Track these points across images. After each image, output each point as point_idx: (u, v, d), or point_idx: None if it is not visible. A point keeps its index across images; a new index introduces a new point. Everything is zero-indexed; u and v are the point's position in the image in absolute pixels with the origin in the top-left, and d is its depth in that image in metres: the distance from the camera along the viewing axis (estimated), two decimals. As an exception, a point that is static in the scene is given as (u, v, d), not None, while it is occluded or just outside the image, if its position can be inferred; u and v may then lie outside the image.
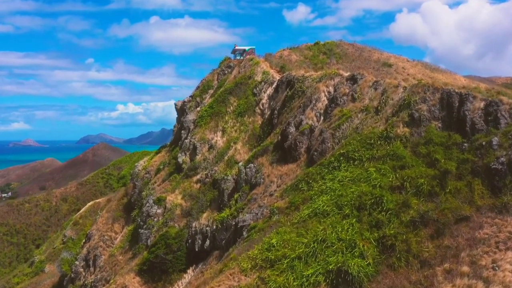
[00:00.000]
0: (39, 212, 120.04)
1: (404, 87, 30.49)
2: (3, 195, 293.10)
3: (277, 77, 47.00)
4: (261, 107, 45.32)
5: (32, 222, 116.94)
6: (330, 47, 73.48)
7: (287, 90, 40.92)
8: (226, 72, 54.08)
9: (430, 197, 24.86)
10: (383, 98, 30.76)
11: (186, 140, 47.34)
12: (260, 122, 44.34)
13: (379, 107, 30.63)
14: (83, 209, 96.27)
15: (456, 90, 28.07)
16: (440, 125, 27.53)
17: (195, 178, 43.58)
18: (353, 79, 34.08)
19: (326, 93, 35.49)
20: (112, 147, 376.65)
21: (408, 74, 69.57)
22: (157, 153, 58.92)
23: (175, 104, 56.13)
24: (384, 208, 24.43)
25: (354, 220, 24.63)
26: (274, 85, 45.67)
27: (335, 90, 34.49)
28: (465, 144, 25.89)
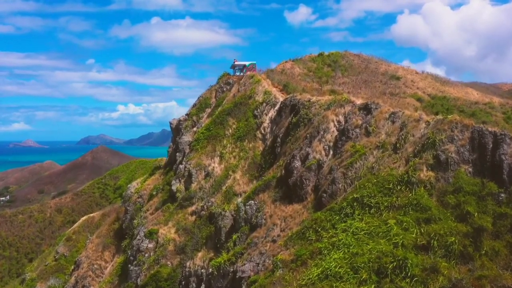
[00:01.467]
0: (33, 223, 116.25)
1: (427, 122, 26.62)
2: (1, 198, 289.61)
3: (280, 97, 43.17)
4: (263, 131, 41.48)
5: (25, 234, 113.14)
6: (335, 58, 69.69)
7: (291, 115, 37.07)
8: (224, 89, 50.25)
9: (463, 260, 21.08)
10: (402, 134, 26.90)
11: (181, 166, 43.54)
12: (261, 148, 40.48)
13: (397, 144, 26.77)
14: (76, 224, 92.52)
15: (490, 129, 24.20)
16: (470, 169, 23.69)
17: (190, 209, 39.77)
18: (366, 109, 30.24)
19: (336, 123, 31.66)
20: (111, 150, 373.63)
21: (417, 88, 65.71)
22: (151, 174, 55.11)
23: (170, 123, 52.33)
24: (409, 274, 20.61)
25: (373, 287, 20.88)
26: (276, 107, 41.83)
27: (346, 121, 30.65)
28: (502, 195, 22.10)
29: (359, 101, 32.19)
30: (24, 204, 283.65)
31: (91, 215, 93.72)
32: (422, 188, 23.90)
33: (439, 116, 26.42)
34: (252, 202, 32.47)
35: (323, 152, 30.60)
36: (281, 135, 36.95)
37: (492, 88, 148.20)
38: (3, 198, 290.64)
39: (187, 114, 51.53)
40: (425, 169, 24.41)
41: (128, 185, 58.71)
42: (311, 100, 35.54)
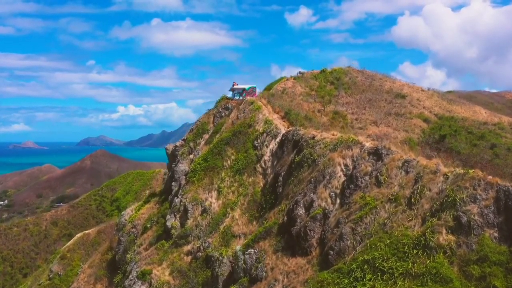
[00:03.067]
0: (28, 237, 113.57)
1: (445, 175, 24.10)
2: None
3: (282, 127, 40.65)
4: (263, 165, 38.95)
5: (20, 248, 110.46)
6: (338, 75, 67.21)
7: (294, 153, 34.54)
8: (223, 114, 47.76)
9: None
10: (418, 187, 24.38)
11: (177, 199, 41.02)
12: (261, 183, 37.96)
13: (412, 199, 24.25)
14: (71, 242, 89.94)
15: (517, 189, 21.68)
16: (496, 234, 21.19)
17: (185, 249, 37.24)
18: (376, 154, 27.72)
19: (343, 167, 29.15)
20: (110, 154, 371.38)
21: (424, 107, 63.17)
22: (145, 202, 52.58)
23: (166, 149, 49.89)
24: None
25: None
26: (278, 139, 39.32)
27: (354, 167, 28.12)
28: (534, 268, 19.60)
29: (368, 143, 29.67)
30: (22, 208, 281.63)
31: (87, 231, 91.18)
32: (442, 255, 21.39)
33: (459, 170, 23.89)
34: (252, 250, 29.97)
35: (329, 200, 28.09)
36: (283, 173, 34.42)
37: (496, 97, 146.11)
38: (1, 203, 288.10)
39: (183, 140, 49.06)
40: (444, 232, 21.90)
41: (122, 212, 56.21)
42: (315, 138, 33.01)
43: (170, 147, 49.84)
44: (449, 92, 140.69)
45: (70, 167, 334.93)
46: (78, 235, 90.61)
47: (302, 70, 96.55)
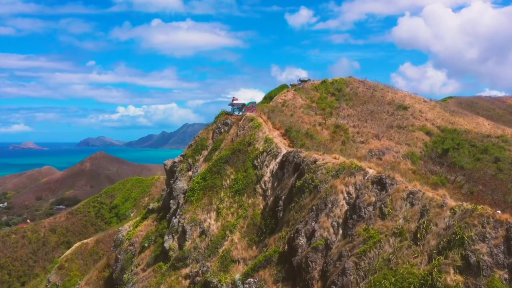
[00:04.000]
0: (26, 244, 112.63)
1: (452, 210, 23.19)
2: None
3: (282, 146, 39.74)
4: (263, 186, 38.05)
5: (18, 256, 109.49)
6: (339, 86, 66.40)
7: (295, 176, 33.64)
8: (222, 130, 46.85)
9: None
10: (424, 222, 23.48)
11: (175, 220, 40.16)
12: (261, 205, 37.07)
13: (418, 234, 23.36)
14: (69, 251, 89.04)
15: (528, 229, 20.78)
16: (506, 276, 20.30)
17: (183, 272, 36.34)
18: (380, 183, 26.83)
19: (346, 195, 28.25)
20: (110, 156, 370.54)
21: (426, 119, 62.25)
22: (143, 218, 51.65)
23: (164, 164, 48.98)
24: None
25: None
26: (278, 159, 38.41)
27: (357, 196, 27.23)
28: (546, 314, 18.73)
29: (371, 170, 28.77)
30: (21, 211, 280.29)
31: (85, 241, 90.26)
32: (449, 297, 20.51)
33: (467, 205, 22.99)
34: (252, 280, 29.09)
35: (331, 230, 27.20)
36: (283, 197, 33.53)
37: (497, 102, 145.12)
38: (1, 205, 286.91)
39: (182, 155, 48.15)
40: (452, 271, 21.01)
41: (120, 228, 55.28)
42: (317, 162, 32.10)
43: (168, 162, 48.95)
44: (450, 97, 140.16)
45: (69, 169, 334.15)
46: (76, 244, 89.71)
47: (303, 78, 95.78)
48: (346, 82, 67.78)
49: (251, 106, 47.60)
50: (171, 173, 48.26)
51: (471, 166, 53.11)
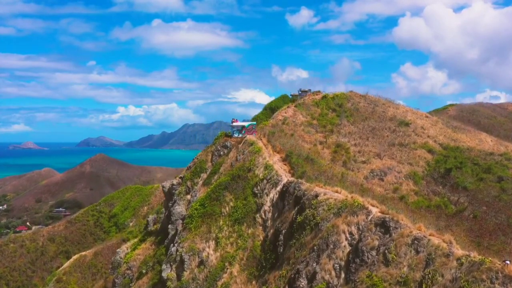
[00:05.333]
0: (24, 253, 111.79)
1: (458, 260, 22.39)
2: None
3: (283, 174, 38.94)
4: (263, 216, 37.28)
5: (16, 266, 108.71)
6: (340, 101, 65.62)
7: (296, 210, 32.84)
8: (222, 153, 46.08)
9: None
10: (429, 272, 22.67)
11: (173, 248, 39.37)
12: (261, 237, 36.28)
13: (423, 285, 22.55)
14: (67, 264, 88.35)
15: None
16: (515, 336, 19.53)
17: (182, 304, 35.57)
18: (384, 226, 26.04)
19: (348, 235, 27.47)
20: (110, 158, 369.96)
21: (428, 136, 61.37)
22: (141, 240, 50.89)
23: (163, 186, 48.32)
24: None
25: None
26: (278, 188, 37.62)
27: (360, 239, 26.43)
28: None
29: (374, 209, 27.98)
30: (21, 213, 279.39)
31: (83, 253, 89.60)
32: None
33: (474, 255, 22.18)
34: (251, 321, 28.30)
35: (333, 273, 26.41)
36: (284, 231, 32.75)
37: (498, 109, 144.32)
38: (0, 207, 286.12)
39: (180, 177, 47.40)
40: (459, 329, 20.24)
41: (118, 250, 54.46)
42: (318, 198, 31.31)
43: (167, 184, 48.19)
44: (451, 105, 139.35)
45: (69, 171, 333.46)
46: (75, 257, 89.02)
47: (303, 89, 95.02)
48: (347, 97, 66.99)
49: (251, 128, 46.82)
50: (169, 195, 47.50)
51: (474, 186, 52.32)
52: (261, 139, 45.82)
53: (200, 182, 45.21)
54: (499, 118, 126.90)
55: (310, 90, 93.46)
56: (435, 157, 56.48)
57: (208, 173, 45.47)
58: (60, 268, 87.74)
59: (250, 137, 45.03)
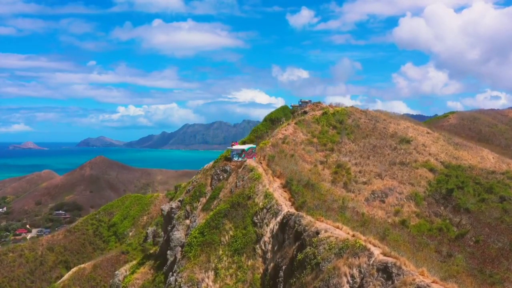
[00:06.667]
0: (23, 263, 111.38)
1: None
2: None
3: (283, 203, 38.42)
4: (263, 247, 36.78)
5: (15, 275, 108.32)
6: (341, 117, 65.13)
7: (296, 246, 32.32)
8: (221, 177, 45.57)
9: None
10: (432, 325, 22.19)
11: (172, 278, 38.92)
12: (261, 269, 35.78)
13: (426, 338, 22.08)
14: (66, 276, 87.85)
15: None
16: None
17: (180, 337, 35.13)
18: (386, 272, 25.53)
19: (349, 278, 26.96)
20: (109, 161, 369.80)
21: (429, 154, 60.87)
22: (140, 264, 50.40)
23: (162, 210, 47.79)
24: None
25: None
26: (278, 218, 37.10)
27: (361, 284, 25.92)
28: None
29: (376, 251, 27.47)
30: (21, 216, 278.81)
31: (82, 266, 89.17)
32: None
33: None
34: None
35: (334, 318, 25.92)
36: (284, 267, 32.26)
37: (499, 116, 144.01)
38: (0, 210, 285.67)
39: (179, 201, 46.90)
40: None
41: (116, 272, 54.03)
42: (319, 235, 30.80)
43: (166, 207, 47.71)
44: (452, 112, 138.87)
45: (69, 173, 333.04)
46: (74, 269, 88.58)
47: (303, 99, 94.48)
48: (347, 113, 66.51)
49: (251, 151, 46.26)
50: (168, 219, 47.04)
51: (476, 207, 51.84)
52: (261, 163, 45.32)
53: (199, 207, 44.73)
54: (500, 126, 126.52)
55: (310, 101, 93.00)
56: (436, 177, 55.99)
57: (207, 197, 44.99)
58: (59, 281, 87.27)
59: (250, 162, 44.49)
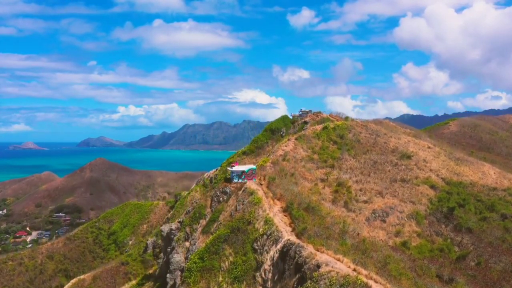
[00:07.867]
0: (23, 272, 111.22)
1: None
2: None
3: (283, 229, 38.08)
4: (263, 276, 36.47)
5: (15, 284, 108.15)
6: (341, 132, 64.80)
7: (297, 278, 32.02)
8: (221, 199, 45.27)
9: None
10: None
11: (171, 304, 38.63)
12: (261, 299, 35.47)
13: None
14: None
15: None
16: None
17: None
18: (387, 313, 25.29)
19: (350, 316, 26.71)
20: (109, 163, 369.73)
21: (431, 170, 60.51)
22: (139, 284, 50.15)
23: (161, 230, 47.46)
24: None
25: None
26: (279, 246, 36.77)
27: (363, 325, 25.70)
28: None
29: (375, 286, 27.20)
30: (21, 218, 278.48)
31: (82, 277, 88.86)
32: None
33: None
34: None
35: None
36: (284, 299, 31.97)
37: (500, 123, 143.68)
38: (0, 212, 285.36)
39: (179, 222, 46.60)
40: None
41: (115, 292, 53.68)
42: (320, 270, 30.50)
43: (165, 228, 47.42)
44: (453, 119, 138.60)
45: (69, 175, 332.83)
46: (73, 280, 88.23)
47: (304, 109, 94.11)
48: (348, 127, 66.19)
49: (251, 172, 45.92)
50: (167, 240, 46.75)
51: (478, 226, 51.52)
52: (261, 184, 45.01)
53: (199, 229, 44.44)
54: (501, 133, 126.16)
55: (311, 110, 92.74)
56: (438, 194, 55.66)
57: (207, 220, 44.69)
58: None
59: (250, 185, 44.10)
